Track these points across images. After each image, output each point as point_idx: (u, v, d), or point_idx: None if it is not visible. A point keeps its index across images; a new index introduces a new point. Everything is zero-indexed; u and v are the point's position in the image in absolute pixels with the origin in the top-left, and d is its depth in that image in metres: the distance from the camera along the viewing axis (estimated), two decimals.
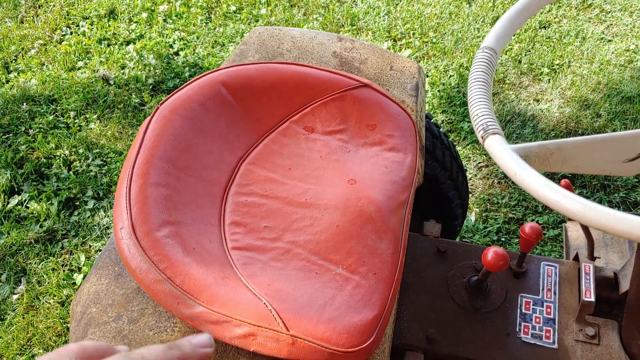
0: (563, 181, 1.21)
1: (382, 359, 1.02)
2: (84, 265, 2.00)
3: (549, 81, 2.58)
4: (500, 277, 1.28)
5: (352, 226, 1.05)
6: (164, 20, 2.88)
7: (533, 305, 1.24)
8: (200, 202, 1.06)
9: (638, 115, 2.39)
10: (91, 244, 2.07)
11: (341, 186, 1.10)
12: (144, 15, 2.90)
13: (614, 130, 2.37)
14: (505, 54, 2.71)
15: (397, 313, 1.21)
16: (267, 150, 1.17)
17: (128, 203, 0.98)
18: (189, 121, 1.12)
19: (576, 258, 1.33)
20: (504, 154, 0.71)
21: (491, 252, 1.08)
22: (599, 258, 1.33)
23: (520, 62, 2.67)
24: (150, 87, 2.56)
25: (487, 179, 2.24)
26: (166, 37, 2.80)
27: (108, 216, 2.14)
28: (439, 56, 2.70)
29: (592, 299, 1.19)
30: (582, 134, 2.37)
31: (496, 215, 2.12)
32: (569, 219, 1.51)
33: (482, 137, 0.75)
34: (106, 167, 2.28)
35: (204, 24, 2.87)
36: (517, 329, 1.21)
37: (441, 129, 1.54)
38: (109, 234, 2.10)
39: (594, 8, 2.90)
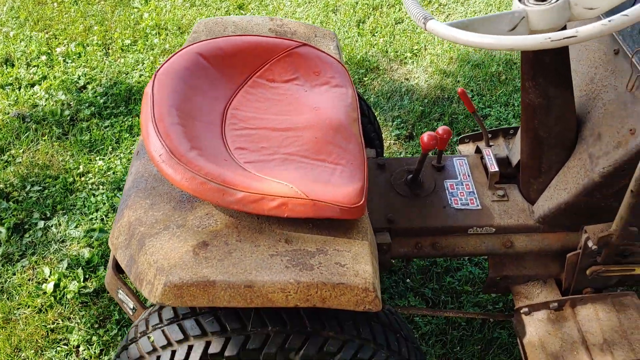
0: (460, 89, 1.66)
1: (367, 233, 1.36)
2: (50, 276, 2.12)
3: (413, 63, 3.13)
4: (428, 172, 1.69)
5: (327, 136, 1.40)
6: (64, 61, 3.05)
7: (456, 185, 1.67)
8: (207, 136, 1.35)
9: (486, 76, 3.00)
10: (52, 257, 2.19)
11: (310, 113, 1.46)
12: (43, 58, 3.05)
13: (471, 90, 2.95)
14: (374, 47, 3.23)
15: None
16: (243, 99, 1.49)
17: (160, 137, 1.25)
18: (181, 81, 1.41)
19: (478, 152, 1.78)
20: (444, 29, 1.11)
21: (426, 136, 1.49)
22: (493, 145, 1.79)
23: (387, 52, 3.20)
24: (69, 117, 2.73)
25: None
26: (70, 74, 2.97)
27: (61, 231, 2.27)
28: None
29: (497, 169, 1.64)
30: (448, 98, 2.92)
31: None
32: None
33: (423, 24, 1.14)
34: (47, 191, 2.41)
35: (104, 58, 3.08)
36: (450, 202, 1.62)
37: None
38: (66, 246, 2.24)
39: (434, 3, 3.54)
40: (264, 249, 1.20)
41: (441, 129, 1.61)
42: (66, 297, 2.08)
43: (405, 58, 3.17)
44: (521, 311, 1.63)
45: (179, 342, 1.25)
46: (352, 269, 1.20)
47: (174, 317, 1.28)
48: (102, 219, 2.33)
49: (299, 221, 1.27)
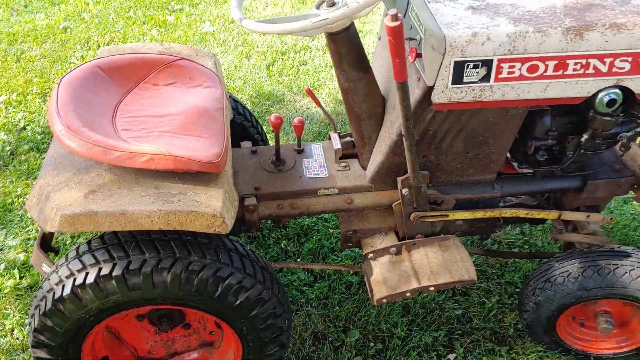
0: (307, 88, 2.15)
1: (233, 203, 1.78)
2: None
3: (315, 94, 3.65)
4: (290, 155, 2.15)
5: (194, 118, 1.85)
6: (6, 108, 3.47)
7: (311, 162, 2.13)
8: (99, 120, 1.78)
9: None
10: None
11: (183, 104, 1.91)
12: None
13: None
14: (281, 84, 3.74)
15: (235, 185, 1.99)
16: (131, 98, 1.94)
17: (60, 119, 1.68)
18: (81, 86, 1.85)
19: (329, 139, 2.25)
20: (257, 25, 1.59)
21: (273, 117, 1.96)
22: (339, 132, 2.26)
23: (292, 87, 3.72)
24: (9, 152, 3.12)
25: None
26: (11, 118, 3.39)
27: (0, 242, 2.63)
28: (234, 93, 3.64)
29: (340, 146, 2.10)
30: (342, 120, 3.43)
31: None
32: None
33: (240, 24, 1.63)
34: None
35: (42, 104, 3.52)
36: (305, 174, 2.07)
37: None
38: (4, 254, 2.59)
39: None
40: (137, 192, 1.62)
41: (296, 119, 2.09)
42: (2, 292, 2.42)
43: (304, 92, 3.69)
44: (368, 257, 2.06)
45: (78, 271, 1.64)
46: (204, 203, 1.62)
47: (75, 255, 1.68)
48: (37, 230, 2.70)
49: (168, 175, 1.69)
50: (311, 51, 4.07)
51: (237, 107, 2.38)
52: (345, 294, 2.46)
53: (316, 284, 2.50)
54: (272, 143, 2.39)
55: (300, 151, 2.17)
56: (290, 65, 3.94)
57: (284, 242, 2.70)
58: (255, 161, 2.14)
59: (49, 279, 1.70)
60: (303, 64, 3.96)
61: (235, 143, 2.24)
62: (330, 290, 2.47)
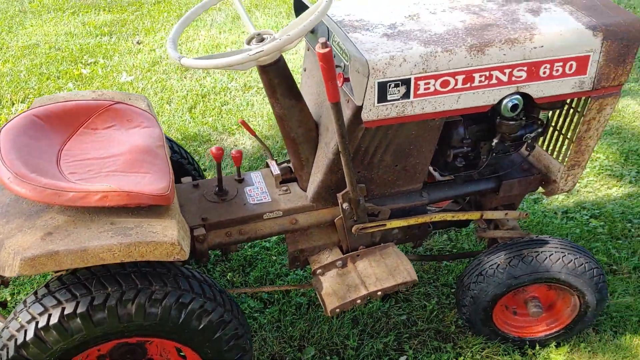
0: (240, 119, 2.28)
1: (186, 232, 1.85)
2: None
3: (239, 133, 3.78)
4: (232, 185, 2.25)
5: (137, 156, 1.93)
6: None
7: (253, 190, 2.24)
8: (47, 166, 1.82)
9: None
10: None
11: (125, 145, 1.98)
12: None
13: None
14: (205, 125, 3.84)
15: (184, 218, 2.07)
16: (73, 144, 1.99)
17: (7, 167, 1.71)
18: (21, 134, 1.89)
19: (267, 167, 2.38)
20: (196, 61, 1.71)
21: (214, 148, 2.07)
22: (276, 160, 2.39)
23: (217, 127, 3.83)
24: None
25: None
26: None
27: None
28: None
29: (279, 172, 2.24)
30: (277, 149, 3.56)
31: None
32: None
33: (179, 62, 1.74)
34: None
35: None
36: (248, 200, 2.18)
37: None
38: None
39: (251, 88, 4.28)
40: (95, 230, 1.68)
41: (234, 150, 2.20)
42: None
43: (232, 130, 3.82)
44: (317, 272, 2.19)
45: (40, 314, 1.65)
46: (161, 233, 1.70)
47: (35, 299, 1.69)
48: None
49: (122, 211, 1.75)
50: (231, 92, 4.21)
51: (172, 145, 2.47)
52: (296, 314, 2.56)
53: (267, 310, 2.58)
54: (209, 177, 2.49)
55: (240, 180, 2.28)
56: (212, 106, 4.05)
57: (230, 274, 2.77)
58: (198, 194, 2.23)
59: (7, 327, 1.69)
60: (225, 104, 4.09)
61: (175, 180, 2.32)
62: (281, 313, 2.56)
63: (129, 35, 5.13)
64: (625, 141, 3.73)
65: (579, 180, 3.35)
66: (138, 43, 4.96)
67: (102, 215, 1.74)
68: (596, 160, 3.54)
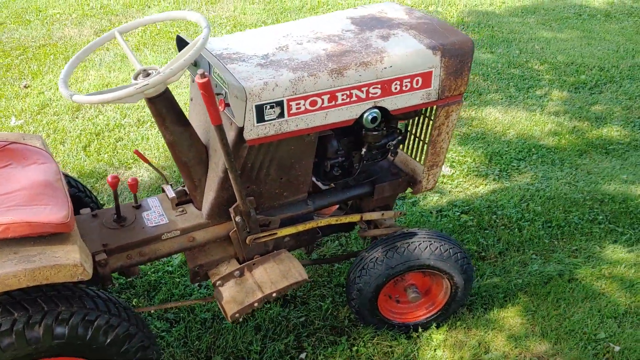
0: (135, 150, 2.44)
1: (88, 256, 1.99)
2: None
3: (136, 166, 3.90)
4: (130, 211, 2.40)
5: (37, 190, 2.04)
6: None
7: (151, 214, 2.41)
8: None
9: None
10: None
11: (24, 181, 2.09)
12: None
13: None
14: (101, 162, 3.93)
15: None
16: None
17: None
18: None
19: (163, 192, 2.56)
20: (87, 97, 1.88)
21: (110, 177, 2.23)
22: (172, 184, 2.58)
23: (113, 162, 3.92)
24: None
25: None
26: None
27: None
28: None
29: (174, 195, 2.42)
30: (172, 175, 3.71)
31: None
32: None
33: (71, 99, 1.90)
34: None
35: None
36: (147, 224, 2.35)
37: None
38: None
39: (145, 122, 4.41)
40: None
41: (130, 178, 2.37)
42: None
43: (129, 164, 3.93)
44: (216, 284, 2.38)
45: None
46: (64, 257, 1.84)
47: None
48: None
49: (23, 241, 1.87)
50: (125, 128, 4.32)
51: (69, 180, 2.59)
52: (202, 329, 2.72)
53: (173, 329, 2.72)
54: (107, 207, 2.61)
55: (138, 207, 2.44)
56: (107, 143, 4.14)
57: (135, 300, 2.88)
58: (97, 223, 2.36)
59: None
60: (120, 140, 4.19)
61: (75, 212, 2.44)
62: (187, 330, 2.71)
63: (15, 79, 5.11)
64: (489, 145, 4.22)
65: (450, 182, 3.78)
66: (25, 87, 4.95)
67: (4, 247, 1.85)
68: (464, 163, 3.99)
